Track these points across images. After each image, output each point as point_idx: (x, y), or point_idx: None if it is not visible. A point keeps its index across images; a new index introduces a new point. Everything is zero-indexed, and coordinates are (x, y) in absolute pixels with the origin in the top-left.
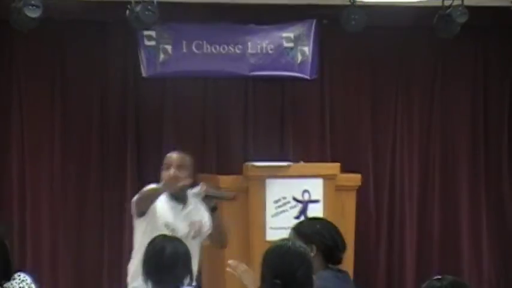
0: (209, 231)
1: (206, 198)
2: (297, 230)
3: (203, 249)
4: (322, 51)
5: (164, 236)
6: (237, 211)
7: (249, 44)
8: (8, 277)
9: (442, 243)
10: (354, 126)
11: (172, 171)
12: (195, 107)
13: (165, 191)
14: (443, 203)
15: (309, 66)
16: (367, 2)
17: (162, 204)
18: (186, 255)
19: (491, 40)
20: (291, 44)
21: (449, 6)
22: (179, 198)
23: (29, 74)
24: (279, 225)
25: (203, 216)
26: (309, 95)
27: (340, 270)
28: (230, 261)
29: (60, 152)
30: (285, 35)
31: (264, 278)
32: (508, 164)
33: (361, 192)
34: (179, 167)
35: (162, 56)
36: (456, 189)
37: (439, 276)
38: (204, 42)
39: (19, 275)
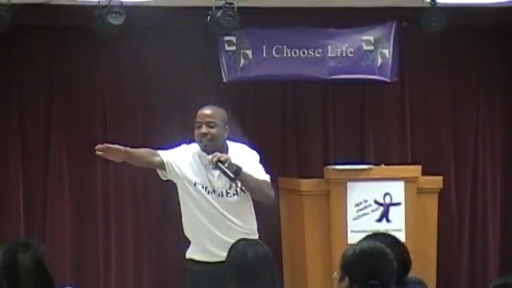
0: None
1: (216, 168)
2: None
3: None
4: (402, 54)
5: (245, 240)
6: (318, 214)
7: (329, 47)
8: None
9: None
10: (434, 128)
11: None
12: (275, 111)
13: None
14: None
15: (389, 68)
16: (448, 3)
17: (187, 164)
18: (268, 258)
19: None
20: (370, 47)
21: None
22: (208, 153)
23: (111, 81)
24: (360, 229)
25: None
26: (389, 97)
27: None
28: None
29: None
30: (364, 38)
31: (354, 280)
32: None
33: (442, 195)
34: (208, 123)
35: (242, 61)
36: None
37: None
38: (284, 46)
39: None
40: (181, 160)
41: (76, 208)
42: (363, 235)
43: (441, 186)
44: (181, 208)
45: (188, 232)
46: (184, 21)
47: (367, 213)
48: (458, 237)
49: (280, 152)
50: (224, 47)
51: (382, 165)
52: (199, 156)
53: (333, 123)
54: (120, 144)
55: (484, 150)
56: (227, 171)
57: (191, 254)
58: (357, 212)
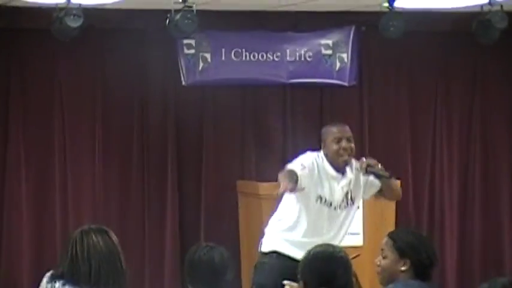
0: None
1: (367, 173)
2: (393, 240)
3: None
4: (361, 58)
5: (207, 245)
6: None
7: (288, 51)
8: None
9: (483, 250)
10: (392, 131)
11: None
12: (234, 115)
13: None
14: (484, 208)
15: (347, 73)
16: (406, 8)
17: (318, 174)
18: (230, 260)
19: None
20: (329, 51)
21: (488, 12)
22: (339, 167)
23: (70, 83)
24: None
25: (359, 191)
26: (348, 101)
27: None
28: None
29: (102, 161)
30: (323, 42)
31: (307, 284)
32: None
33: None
34: (348, 139)
35: (201, 64)
36: (497, 194)
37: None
38: (243, 50)
39: None
40: (310, 177)
41: (34, 202)
42: None
43: None
44: (289, 209)
45: (292, 231)
46: (143, 23)
47: None
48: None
49: (239, 155)
50: (183, 50)
51: None
52: (324, 167)
53: (291, 126)
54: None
55: (442, 154)
56: (381, 172)
57: (279, 247)
58: None
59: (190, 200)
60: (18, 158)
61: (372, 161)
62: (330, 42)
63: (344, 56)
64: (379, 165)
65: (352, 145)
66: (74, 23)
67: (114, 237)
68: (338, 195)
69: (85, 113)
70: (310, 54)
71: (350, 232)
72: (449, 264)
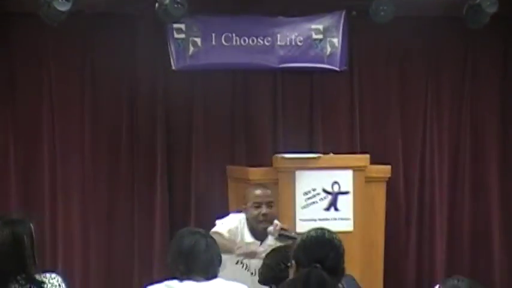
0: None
1: (280, 237)
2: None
3: None
4: (351, 43)
5: (194, 231)
6: None
7: (278, 36)
8: (28, 275)
9: (473, 233)
10: (383, 117)
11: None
12: (224, 99)
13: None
14: (474, 193)
15: (338, 57)
16: None
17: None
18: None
19: None
20: (320, 36)
21: None
22: (260, 234)
23: (59, 68)
24: (308, 217)
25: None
26: (338, 86)
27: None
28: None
29: (90, 146)
30: (314, 26)
31: (299, 264)
32: None
33: (391, 184)
34: (268, 204)
35: (191, 49)
36: (487, 178)
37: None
38: (233, 34)
39: (51, 276)
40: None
41: (24, 192)
42: (311, 223)
43: (389, 175)
44: None
45: None
46: (133, 8)
47: (316, 202)
48: (406, 226)
49: (229, 140)
50: (173, 35)
51: (331, 154)
52: (243, 232)
53: (282, 111)
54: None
55: (432, 140)
56: (292, 235)
57: None
58: (305, 200)
59: (180, 185)
60: (6, 142)
61: (285, 225)
62: (320, 27)
63: (335, 40)
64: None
65: (272, 210)
66: (62, 7)
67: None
68: (254, 261)
69: (74, 98)
70: (301, 39)
71: (340, 218)
72: (439, 250)
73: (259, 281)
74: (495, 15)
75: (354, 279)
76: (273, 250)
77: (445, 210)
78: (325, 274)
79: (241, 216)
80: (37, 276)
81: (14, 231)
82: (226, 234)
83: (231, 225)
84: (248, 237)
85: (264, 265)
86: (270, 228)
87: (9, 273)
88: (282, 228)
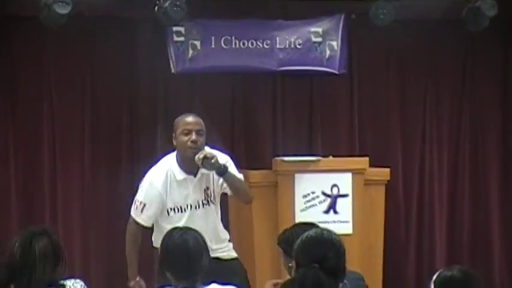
0: (225, 193)
1: (203, 165)
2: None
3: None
4: (351, 46)
5: (180, 228)
6: (266, 206)
7: (277, 39)
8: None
9: (473, 236)
10: (382, 120)
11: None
12: (223, 103)
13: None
14: (474, 195)
15: (337, 60)
16: None
17: (170, 189)
18: (206, 244)
19: None
20: (319, 39)
21: None
22: (191, 165)
23: (59, 71)
24: (308, 220)
25: (211, 182)
26: (338, 89)
27: None
28: None
29: (91, 149)
30: (313, 29)
31: (299, 264)
32: None
33: (390, 187)
34: (198, 132)
35: (191, 52)
36: (486, 181)
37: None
38: (233, 37)
39: (75, 280)
40: (156, 202)
41: (23, 193)
42: None
43: (388, 178)
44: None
45: None
46: (133, 11)
47: (315, 205)
48: (405, 229)
49: (229, 143)
50: (173, 38)
51: (330, 157)
52: (172, 171)
53: (281, 114)
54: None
55: (431, 142)
56: (216, 163)
57: None
58: (304, 203)
59: None
60: (6, 146)
61: (209, 154)
62: (319, 30)
63: (334, 43)
64: (218, 161)
65: (202, 138)
66: (62, 9)
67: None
68: (195, 195)
69: (74, 101)
70: (300, 41)
71: (339, 220)
72: (439, 253)
73: None
74: (495, 18)
75: (362, 280)
76: None
77: (444, 213)
78: (322, 274)
79: (168, 160)
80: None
81: (52, 239)
82: (140, 218)
83: (146, 194)
84: (179, 175)
85: None
86: (196, 156)
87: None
88: (205, 156)
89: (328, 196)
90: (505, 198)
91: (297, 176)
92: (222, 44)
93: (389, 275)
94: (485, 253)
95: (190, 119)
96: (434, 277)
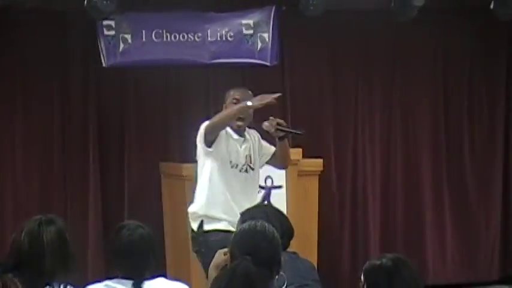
0: (267, 159)
1: (277, 131)
2: (244, 217)
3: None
4: (282, 38)
5: (128, 226)
6: None
7: (209, 31)
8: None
9: (406, 224)
10: (315, 111)
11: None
12: (156, 96)
13: (250, 107)
14: (406, 183)
15: (268, 52)
16: None
17: (226, 141)
18: (152, 240)
19: (450, 23)
20: (250, 31)
21: None
22: (240, 132)
23: None
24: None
25: (254, 151)
26: (270, 81)
27: (293, 252)
28: None
29: (22, 145)
30: (244, 22)
31: (233, 257)
32: (468, 142)
33: (323, 177)
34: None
35: (122, 46)
36: (418, 169)
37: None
38: (164, 30)
39: None
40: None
41: None
42: None
43: (321, 168)
44: (206, 183)
45: (213, 206)
46: (63, 4)
47: None
48: (340, 219)
49: (162, 136)
50: (103, 32)
51: None
52: (230, 132)
53: (214, 107)
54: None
55: (363, 132)
56: (292, 130)
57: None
58: None
59: (113, 182)
60: None
61: (281, 120)
62: (251, 22)
63: (265, 35)
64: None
65: (250, 112)
66: None
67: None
68: (241, 158)
69: (4, 98)
70: (232, 34)
71: None
72: (373, 241)
73: None
74: (423, 8)
75: (314, 268)
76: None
77: (377, 202)
78: (252, 266)
79: None
80: None
81: (59, 228)
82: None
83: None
84: (233, 134)
85: None
86: (266, 123)
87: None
88: (278, 123)
89: (262, 188)
90: (436, 183)
91: None
92: (153, 37)
93: (325, 265)
94: (418, 238)
95: (240, 89)
96: (365, 266)
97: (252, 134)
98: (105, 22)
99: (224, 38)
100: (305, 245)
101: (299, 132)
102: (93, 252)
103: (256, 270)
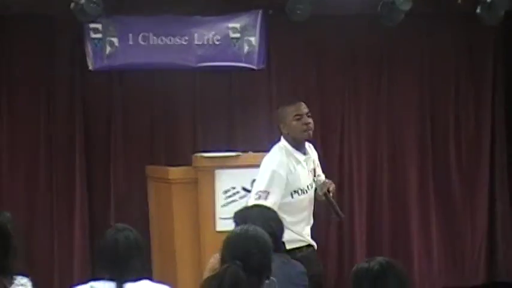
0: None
1: (323, 194)
2: (238, 217)
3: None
4: (269, 42)
5: (116, 228)
6: (187, 202)
7: (196, 35)
8: (5, 272)
9: (392, 229)
10: None
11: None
12: (143, 99)
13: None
14: (392, 189)
15: (255, 56)
16: None
17: (295, 171)
18: (138, 243)
19: (437, 28)
20: (237, 35)
21: None
22: (302, 148)
23: None
24: (229, 216)
25: (315, 165)
26: (257, 85)
27: (284, 255)
28: None
29: (8, 149)
30: (231, 25)
31: (224, 260)
32: (454, 147)
33: None
34: (307, 114)
35: (108, 49)
36: (404, 174)
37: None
38: (150, 34)
39: (19, 278)
40: (280, 189)
41: None
42: (231, 222)
43: None
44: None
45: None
46: (50, 8)
47: (236, 200)
48: (326, 223)
49: (148, 140)
50: (90, 35)
51: (250, 153)
52: (291, 155)
53: (200, 110)
54: None
55: (349, 137)
56: (336, 207)
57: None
58: (225, 199)
59: (100, 185)
60: None
61: (332, 187)
62: (237, 25)
63: (252, 39)
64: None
65: (312, 120)
66: None
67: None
68: (307, 178)
69: None
70: (218, 37)
71: None
72: (359, 248)
73: None
74: (409, 13)
75: (305, 274)
76: None
77: (364, 205)
78: (241, 272)
79: (280, 146)
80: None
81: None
82: (271, 202)
83: (275, 178)
84: (300, 156)
85: None
86: (321, 180)
87: None
88: (329, 190)
89: (248, 191)
90: (422, 190)
91: (217, 171)
92: (140, 40)
93: None
94: (404, 245)
95: (299, 104)
96: (353, 269)
97: (311, 149)
98: (92, 25)
99: (211, 42)
100: None
101: (339, 214)
102: (79, 256)
103: (245, 277)
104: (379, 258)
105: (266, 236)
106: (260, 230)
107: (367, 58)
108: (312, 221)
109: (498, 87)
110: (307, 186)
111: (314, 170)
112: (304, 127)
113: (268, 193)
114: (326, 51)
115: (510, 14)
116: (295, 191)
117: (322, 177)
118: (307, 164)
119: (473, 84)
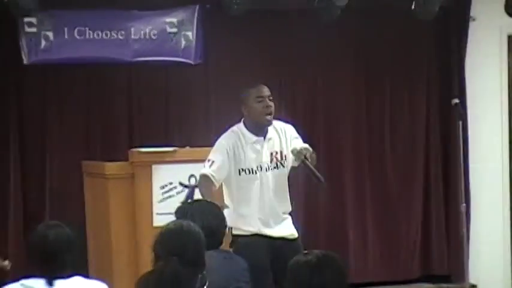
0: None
1: (302, 162)
2: (178, 212)
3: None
4: (207, 36)
5: (46, 224)
6: (123, 198)
7: (132, 29)
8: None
9: (328, 223)
10: (238, 110)
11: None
12: (78, 94)
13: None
14: (328, 183)
15: (192, 51)
16: None
17: (239, 150)
18: (69, 240)
19: (373, 23)
20: (174, 29)
21: None
22: (261, 130)
23: None
24: (166, 211)
25: (284, 147)
26: (194, 80)
27: (227, 251)
28: None
29: None
30: (168, 20)
31: (158, 256)
32: (390, 142)
33: None
34: (269, 98)
35: (43, 43)
36: (341, 171)
37: (306, 251)
38: (86, 28)
39: None
40: (224, 158)
41: None
42: (169, 217)
43: None
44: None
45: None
46: None
47: (173, 195)
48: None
49: (84, 135)
50: (24, 29)
51: (187, 148)
52: (242, 134)
53: (137, 105)
54: None
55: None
56: (316, 173)
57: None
58: (162, 194)
59: (34, 182)
60: None
61: (308, 154)
62: (174, 20)
63: (189, 34)
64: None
65: (273, 104)
66: None
67: None
68: (265, 158)
69: None
70: (155, 32)
71: None
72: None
73: None
74: (346, 9)
75: (248, 270)
76: None
77: (301, 200)
78: (181, 268)
79: (237, 126)
80: None
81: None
82: (209, 172)
83: (218, 152)
84: (252, 137)
85: None
86: (298, 147)
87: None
88: (306, 158)
89: (185, 186)
90: (358, 185)
91: (154, 167)
92: (76, 34)
93: None
94: (340, 239)
95: (261, 87)
96: (290, 262)
97: (281, 126)
98: (26, 19)
99: (148, 36)
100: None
101: (319, 178)
102: (13, 253)
103: (185, 272)
104: (317, 251)
105: (199, 230)
106: (193, 225)
107: (304, 54)
108: (281, 218)
109: (432, 82)
110: (258, 167)
111: (280, 152)
112: (265, 110)
113: (213, 162)
114: (263, 46)
115: (445, 10)
116: (242, 169)
117: (298, 147)
118: (262, 146)
119: (409, 79)
